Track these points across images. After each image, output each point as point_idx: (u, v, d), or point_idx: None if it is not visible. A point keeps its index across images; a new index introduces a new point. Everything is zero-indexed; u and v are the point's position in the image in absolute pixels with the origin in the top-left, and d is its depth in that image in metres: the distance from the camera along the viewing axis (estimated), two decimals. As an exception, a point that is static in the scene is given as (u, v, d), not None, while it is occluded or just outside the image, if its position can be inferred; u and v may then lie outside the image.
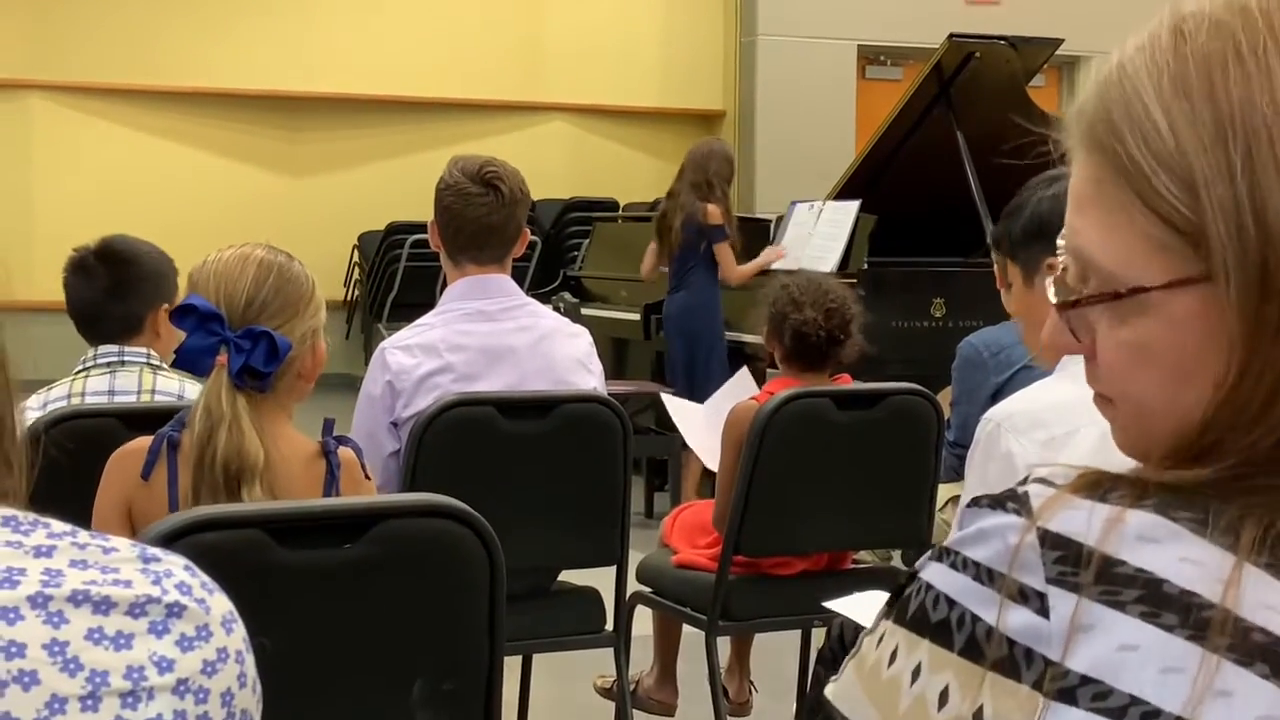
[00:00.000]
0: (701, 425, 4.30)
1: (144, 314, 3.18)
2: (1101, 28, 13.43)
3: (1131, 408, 0.85)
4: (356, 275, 11.52)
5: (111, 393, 3.08)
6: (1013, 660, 0.77)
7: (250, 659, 0.77)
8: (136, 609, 0.73)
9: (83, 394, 3.07)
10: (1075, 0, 11.48)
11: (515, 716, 3.75)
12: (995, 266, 2.82)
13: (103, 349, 3.14)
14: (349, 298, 11.53)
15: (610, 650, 3.53)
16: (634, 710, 3.79)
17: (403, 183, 11.21)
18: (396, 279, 10.73)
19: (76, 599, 0.71)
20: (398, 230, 10.68)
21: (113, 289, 3.17)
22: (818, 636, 3.79)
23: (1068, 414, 2.23)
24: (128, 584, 0.73)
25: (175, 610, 0.74)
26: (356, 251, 11.49)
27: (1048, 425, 2.35)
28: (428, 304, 3.74)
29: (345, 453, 2.32)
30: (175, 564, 0.76)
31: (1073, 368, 2.41)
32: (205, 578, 0.77)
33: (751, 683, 4.20)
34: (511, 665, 2.61)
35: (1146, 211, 0.81)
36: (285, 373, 2.25)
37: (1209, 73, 0.80)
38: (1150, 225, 0.81)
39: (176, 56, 10.92)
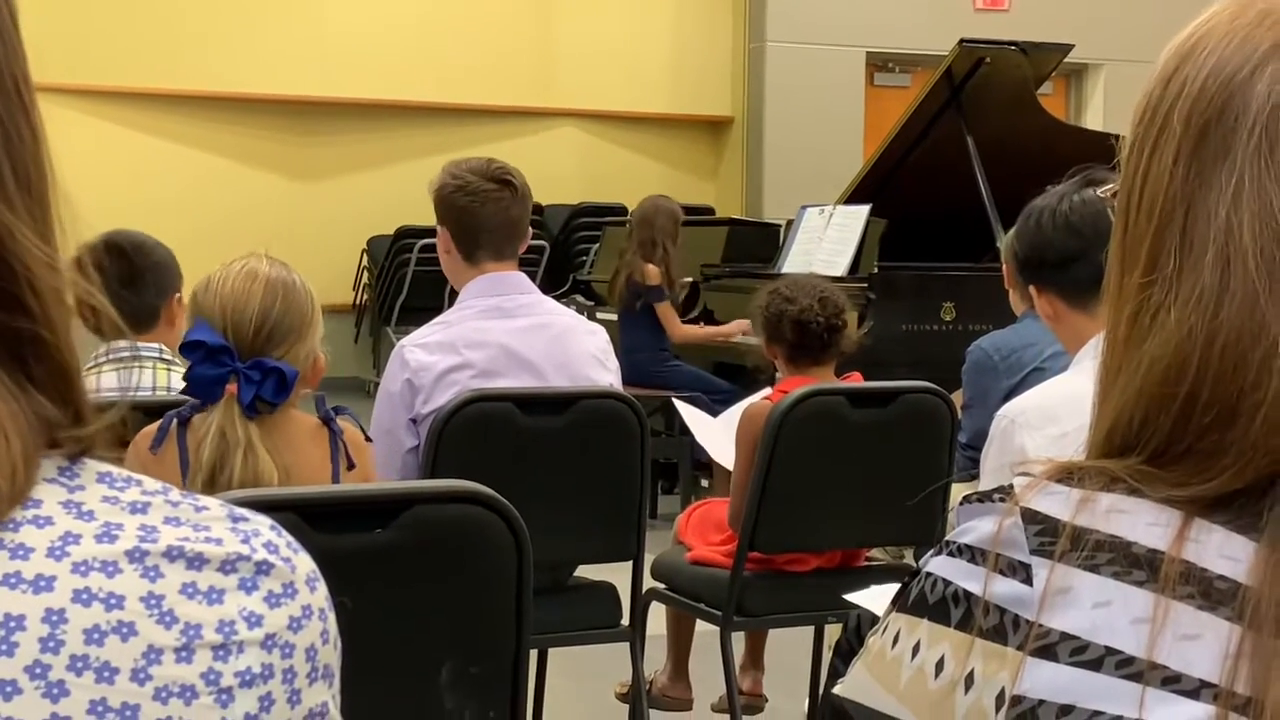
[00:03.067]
0: (717, 429, 4.32)
1: (159, 305, 3.18)
2: (1108, 35, 13.39)
3: None
4: (365, 279, 11.55)
5: (124, 389, 3.07)
6: (1001, 626, 0.82)
7: (332, 617, 0.80)
8: (227, 566, 0.75)
9: (96, 390, 3.05)
10: (1082, 7, 11.52)
11: (531, 712, 3.77)
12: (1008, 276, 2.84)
13: (115, 345, 3.09)
14: (358, 301, 11.55)
15: (620, 647, 3.56)
16: (649, 709, 3.81)
17: (412, 187, 11.11)
18: (405, 283, 10.76)
19: (171, 554, 0.74)
20: (407, 234, 10.70)
21: (127, 280, 3.15)
22: (831, 633, 3.82)
23: (1080, 407, 2.26)
24: (219, 541, 0.76)
25: (263, 568, 0.76)
26: (365, 255, 11.51)
27: (1060, 420, 2.38)
28: (436, 308, 3.78)
29: (344, 421, 2.42)
30: (262, 524, 0.79)
31: (1086, 363, 2.45)
32: (290, 538, 0.80)
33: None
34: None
35: None
36: None
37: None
38: None
39: (185, 60, 10.93)
